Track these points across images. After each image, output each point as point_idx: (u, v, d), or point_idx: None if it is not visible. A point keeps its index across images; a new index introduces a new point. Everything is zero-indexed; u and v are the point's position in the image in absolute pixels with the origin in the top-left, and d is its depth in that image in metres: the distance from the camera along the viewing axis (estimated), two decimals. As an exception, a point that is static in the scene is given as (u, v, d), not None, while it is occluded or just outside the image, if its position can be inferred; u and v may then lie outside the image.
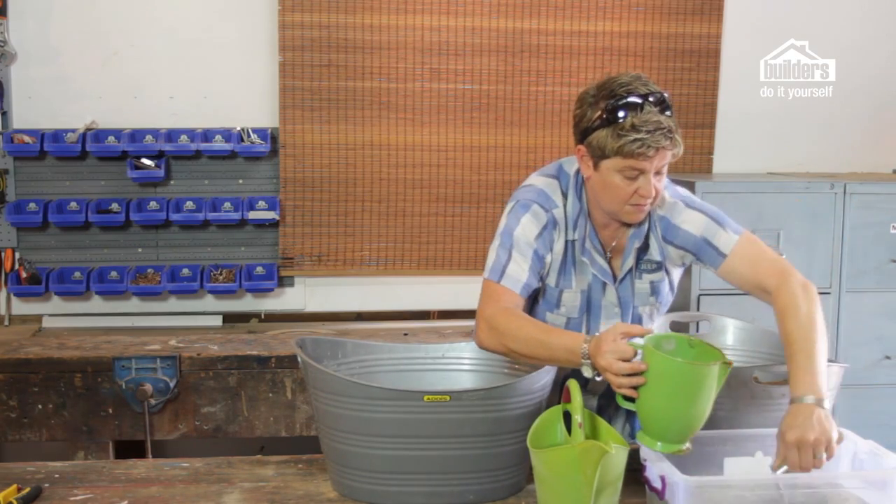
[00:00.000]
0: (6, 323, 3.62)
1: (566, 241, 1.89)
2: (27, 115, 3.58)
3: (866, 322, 3.37)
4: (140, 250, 3.68)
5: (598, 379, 1.65)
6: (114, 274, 3.59)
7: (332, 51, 3.62)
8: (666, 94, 1.76)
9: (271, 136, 3.64)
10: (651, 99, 1.73)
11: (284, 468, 1.88)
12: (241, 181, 3.69)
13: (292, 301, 3.79)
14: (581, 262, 1.89)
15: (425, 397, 1.64)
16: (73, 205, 3.56)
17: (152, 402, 3.02)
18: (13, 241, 3.61)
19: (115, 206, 3.55)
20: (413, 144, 3.70)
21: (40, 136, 3.50)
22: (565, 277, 1.90)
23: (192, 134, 3.56)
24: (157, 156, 3.57)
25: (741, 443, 1.67)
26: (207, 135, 3.58)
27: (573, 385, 1.64)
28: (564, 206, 1.89)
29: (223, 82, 3.64)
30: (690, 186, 3.23)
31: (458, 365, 2.02)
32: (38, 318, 3.65)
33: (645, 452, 1.62)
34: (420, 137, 3.71)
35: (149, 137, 3.54)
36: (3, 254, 3.59)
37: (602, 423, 1.66)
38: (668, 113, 1.74)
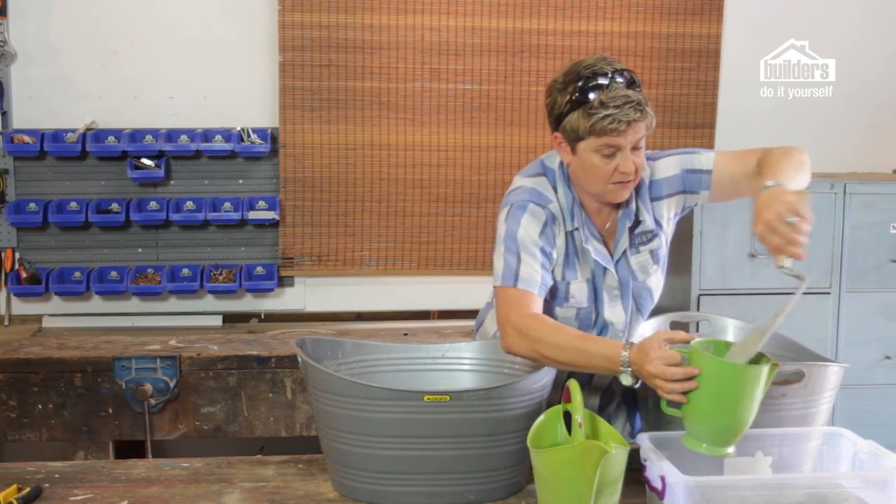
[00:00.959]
0: (6, 323, 3.62)
1: (566, 234, 1.90)
2: (27, 115, 3.58)
3: (866, 322, 3.37)
4: (140, 250, 3.68)
5: (636, 387, 1.65)
6: (114, 274, 3.59)
7: (332, 51, 3.62)
8: (631, 71, 1.81)
9: (271, 136, 3.64)
10: (617, 76, 1.78)
11: (284, 468, 1.88)
12: (241, 181, 3.70)
13: (292, 301, 3.79)
14: (584, 249, 1.90)
15: (425, 397, 1.64)
16: (73, 205, 3.56)
17: (152, 402, 3.02)
18: (13, 241, 3.61)
19: (115, 206, 3.55)
20: (413, 144, 3.70)
21: (40, 136, 3.50)
22: (570, 269, 1.90)
23: (192, 134, 3.56)
24: (157, 156, 3.58)
25: (741, 443, 1.67)
26: (207, 135, 3.58)
27: (573, 385, 1.64)
28: (558, 199, 1.90)
29: (223, 82, 3.65)
30: (690, 186, 3.24)
31: (458, 365, 2.01)
32: (38, 318, 3.65)
33: (645, 452, 1.62)
34: (420, 137, 3.71)
35: (149, 137, 3.54)
36: (3, 254, 3.59)
37: (602, 423, 1.66)
38: (638, 89, 1.79)
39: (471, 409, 1.66)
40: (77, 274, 3.58)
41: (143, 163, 3.55)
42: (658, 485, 1.57)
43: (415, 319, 3.79)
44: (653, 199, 1.95)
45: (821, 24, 3.89)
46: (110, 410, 3.03)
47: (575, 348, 1.70)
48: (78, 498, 1.72)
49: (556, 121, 1.83)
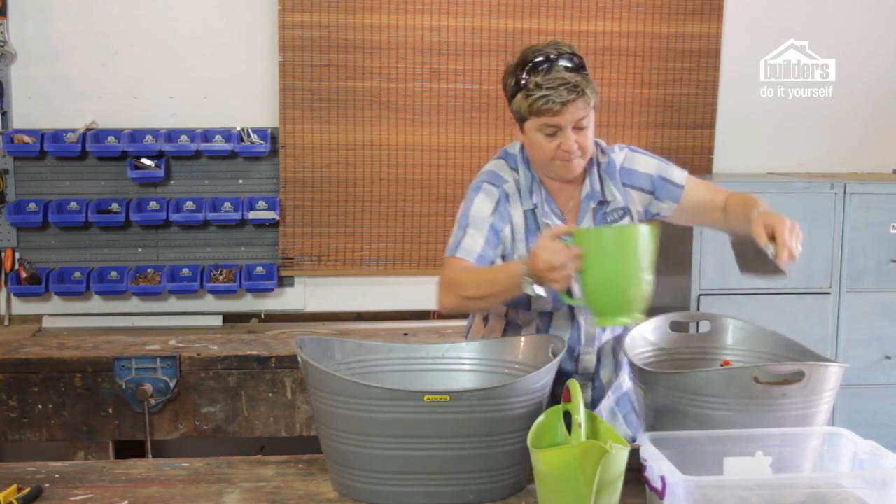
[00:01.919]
0: (6, 323, 3.62)
1: (524, 212, 2.00)
2: (27, 115, 3.58)
3: (866, 322, 3.37)
4: (140, 250, 3.68)
5: (542, 294, 1.77)
6: (114, 274, 3.59)
7: (332, 51, 3.62)
8: (579, 56, 1.89)
9: (271, 136, 3.64)
10: (560, 60, 1.86)
11: (284, 468, 1.88)
12: (241, 181, 3.70)
13: (292, 301, 3.79)
14: (544, 224, 1.99)
15: (425, 397, 1.64)
16: (73, 205, 3.56)
17: (152, 402, 3.02)
18: (13, 241, 3.61)
19: (115, 206, 3.55)
20: (413, 144, 3.71)
21: (40, 136, 3.50)
22: (530, 244, 1.99)
23: (192, 134, 3.56)
24: (157, 156, 3.58)
25: (741, 443, 1.67)
26: (207, 135, 3.58)
27: (573, 385, 1.64)
28: (517, 180, 2.01)
29: (223, 82, 3.65)
30: (690, 186, 3.24)
31: (458, 365, 2.01)
32: (38, 318, 3.65)
33: (645, 452, 1.62)
34: (420, 137, 3.71)
35: (149, 137, 3.54)
36: (3, 254, 3.60)
37: (602, 422, 1.66)
38: (581, 72, 1.87)
39: (471, 409, 1.66)
40: (77, 274, 3.58)
41: (143, 163, 3.55)
42: (658, 485, 1.57)
43: (415, 319, 3.79)
44: (624, 184, 2.03)
45: (821, 24, 3.89)
46: (110, 410, 3.03)
47: (485, 279, 1.87)
48: (78, 498, 1.72)
49: (508, 101, 1.95)
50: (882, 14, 3.95)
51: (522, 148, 2.01)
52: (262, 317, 3.78)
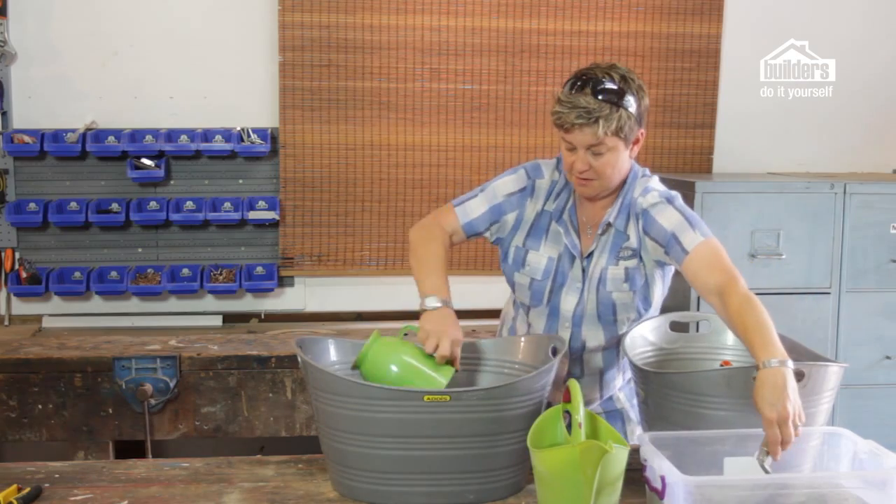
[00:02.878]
0: (6, 323, 3.62)
1: (540, 210, 2.07)
2: (27, 115, 3.58)
3: (866, 322, 3.37)
4: (140, 250, 3.68)
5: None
6: (114, 274, 3.59)
7: (332, 51, 3.62)
8: (622, 87, 1.91)
9: (271, 136, 3.64)
10: (593, 83, 1.90)
11: (284, 468, 1.88)
12: (241, 181, 3.70)
13: (292, 301, 3.79)
14: (556, 230, 2.05)
15: (425, 397, 1.64)
16: (73, 205, 3.56)
17: (152, 402, 3.02)
18: (13, 241, 3.61)
19: (115, 206, 3.55)
20: (413, 144, 3.71)
21: (40, 136, 3.50)
22: (533, 240, 2.07)
23: (192, 134, 3.56)
24: (157, 156, 3.58)
25: (741, 443, 1.67)
26: (207, 135, 3.58)
27: (573, 385, 1.64)
28: (554, 181, 2.07)
29: (223, 82, 3.65)
30: (690, 186, 3.25)
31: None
32: (38, 318, 3.65)
33: (645, 452, 1.62)
34: (420, 137, 3.71)
35: (149, 137, 3.54)
36: (3, 254, 3.59)
37: (602, 422, 1.66)
38: (612, 100, 1.88)
39: (471, 409, 1.66)
40: (77, 274, 3.58)
41: (143, 163, 3.55)
42: (658, 485, 1.57)
43: (415, 319, 3.77)
44: (644, 231, 2.01)
45: (821, 24, 3.89)
46: (110, 410, 3.03)
47: (420, 263, 2.07)
48: (78, 498, 1.72)
49: None
50: (882, 14, 3.95)
51: None
52: (262, 317, 3.78)
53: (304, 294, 3.80)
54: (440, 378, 1.79)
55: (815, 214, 3.31)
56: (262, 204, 3.64)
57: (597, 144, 1.90)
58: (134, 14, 3.58)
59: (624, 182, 2.02)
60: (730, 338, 2.11)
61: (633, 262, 2.02)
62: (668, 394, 1.80)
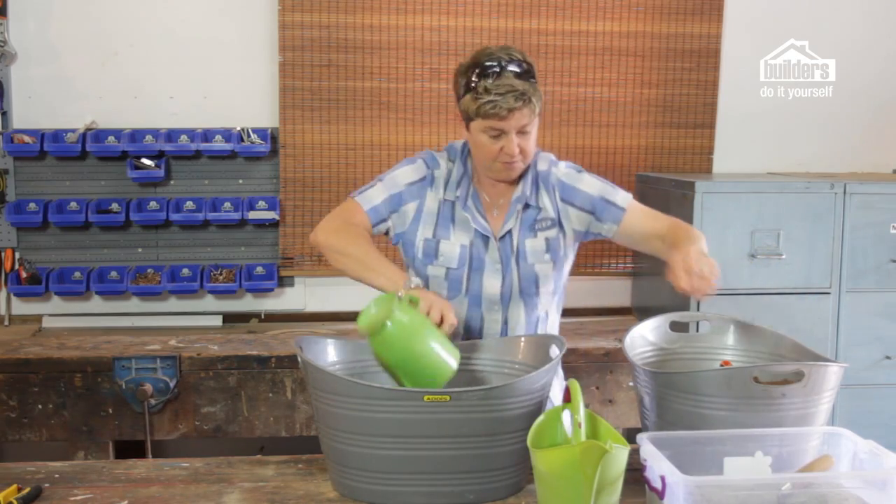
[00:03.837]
0: (6, 323, 3.62)
1: (442, 200, 2.10)
2: (27, 115, 3.58)
3: (866, 322, 3.37)
4: (140, 250, 3.68)
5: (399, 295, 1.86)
6: (114, 274, 3.59)
7: (332, 51, 3.62)
8: (529, 63, 1.96)
9: (271, 136, 3.64)
10: (510, 66, 1.93)
11: (284, 468, 1.88)
12: (241, 181, 3.70)
13: (292, 301, 3.79)
14: (463, 217, 2.08)
15: (425, 397, 1.64)
16: (73, 205, 3.56)
17: (152, 402, 3.02)
18: (13, 241, 3.61)
19: (115, 206, 3.55)
20: (413, 144, 3.70)
21: (40, 136, 3.50)
22: (443, 230, 2.09)
23: (192, 134, 3.56)
24: (157, 156, 3.58)
25: (741, 443, 1.67)
26: (207, 135, 3.58)
27: (573, 385, 1.64)
28: (449, 170, 2.11)
29: (223, 82, 3.65)
30: (690, 186, 3.25)
31: (459, 365, 2.01)
32: (38, 318, 3.65)
33: (645, 452, 1.62)
34: (420, 137, 3.71)
35: (149, 137, 3.54)
36: (3, 254, 3.60)
37: (602, 422, 1.66)
38: (529, 79, 1.94)
39: (471, 409, 1.66)
40: (77, 274, 3.58)
41: (143, 163, 3.55)
42: (658, 485, 1.57)
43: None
44: (562, 200, 2.11)
45: (821, 24, 3.89)
46: (110, 410, 3.03)
47: (360, 254, 1.99)
48: (78, 498, 1.72)
49: (457, 99, 2.03)
50: (882, 14, 3.95)
51: (465, 144, 2.11)
52: (262, 317, 3.78)
53: (304, 294, 3.80)
54: (452, 362, 1.80)
55: (815, 214, 3.31)
56: (262, 204, 3.64)
57: (527, 124, 1.96)
58: (134, 14, 3.58)
59: None
60: (730, 338, 2.11)
61: (553, 233, 2.09)
62: (668, 394, 1.80)
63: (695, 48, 3.81)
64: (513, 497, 1.74)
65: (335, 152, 3.68)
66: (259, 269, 3.68)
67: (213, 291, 3.66)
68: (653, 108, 3.83)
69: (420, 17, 3.64)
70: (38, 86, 3.57)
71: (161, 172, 3.56)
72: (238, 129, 3.61)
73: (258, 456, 1.98)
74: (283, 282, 3.75)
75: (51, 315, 3.65)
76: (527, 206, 2.09)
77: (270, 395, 3.08)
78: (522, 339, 2.01)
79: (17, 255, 3.61)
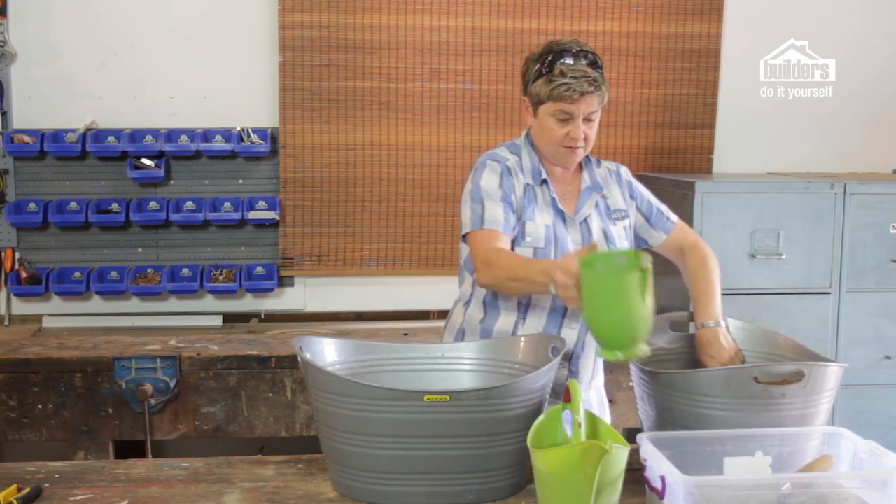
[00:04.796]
0: (6, 323, 3.62)
1: (525, 185, 2.13)
2: (27, 115, 3.58)
3: (866, 322, 3.37)
4: (140, 250, 3.68)
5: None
6: (114, 274, 3.59)
7: (332, 51, 3.62)
8: (597, 56, 2.06)
9: (271, 136, 3.64)
10: (581, 56, 2.03)
11: (284, 468, 1.88)
12: (241, 181, 3.70)
13: (292, 301, 3.79)
14: (543, 198, 2.13)
15: (425, 397, 1.64)
16: (73, 205, 3.56)
17: (152, 402, 3.02)
18: (13, 241, 3.61)
19: (115, 206, 3.55)
20: (413, 144, 3.70)
21: (40, 136, 3.50)
22: (527, 212, 2.11)
23: (192, 134, 3.56)
24: (157, 156, 3.58)
25: (741, 443, 1.67)
26: (207, 135, 3.58)
27: (573, 385, 1.64)
28: (518, 158, 2.16)
29: (223, 82, 3.65)
30: (690, 186, 3.25)
31: (458, 365, 2.01)
32: (38, 318, 3.65)
33: (645, 452, 1.62)
34: (420, 137, 3.71)
35: (149, 137, 3.54)
36: (3, 254, 3.60)
37: (602, 423, 1.66)
38: (597, 69, 2.04)
39: (471, 409, 1.66)
40: (77, 274, 3.58)
41: (143, 163, 3.55)
42: (658, 485, 1.57)
43: (415, 319, 3.79)
44: (630, 197, 2.22)
45: (821, 24, 3.89)
46: (110, 410, 3.03)
47: (519, 267, 1.95)
48: (78, 498, 1.72)
49: (526, 85, 2.11)
50: (882, 14, 3.95)
51: (528, 135, 2.18)
52: (262, 317, 3.78)
53: (304, 294, 3.80)
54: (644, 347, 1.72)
55: (815, 214, 3.31)
56: (262, 204, 3.64)
57: (593, 112, 2.05)
58: (134, 14, 3.58)
59: None
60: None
61: (627, 223, 2.20)
62: (668, 394, 1.80)
63: (695, 48, 3.81)
64: (513, 497, 1.74)
65: (335, 152, 3.68)
66: (259, 269, 3.68)
67: (213, 291, 3.66)
68: (653, 108, 3.83)
69: (420, 17, 3.64)
70: (38, 86, 3.57)
71: (161, 172, 3.56)
72: (238, 129, 3.61)
73: (258, 456, 1.98)
74: (283, 282, 3.75)
75: (51, 315, 3.65)
76: (599, 191, 2.17)
77: (270, 395, 3.08)
78: (522, 339, 2.01)
79: (17, 255, 3.61)
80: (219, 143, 3.57)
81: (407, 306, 3.83)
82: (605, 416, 2.25)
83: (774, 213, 3.29)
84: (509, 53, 3.70)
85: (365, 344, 2.00)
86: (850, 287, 3.36)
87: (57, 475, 1.82)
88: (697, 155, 3.88)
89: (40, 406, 3.00)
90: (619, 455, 1.54)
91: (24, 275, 3.53)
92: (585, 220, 2.14)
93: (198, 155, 3.62)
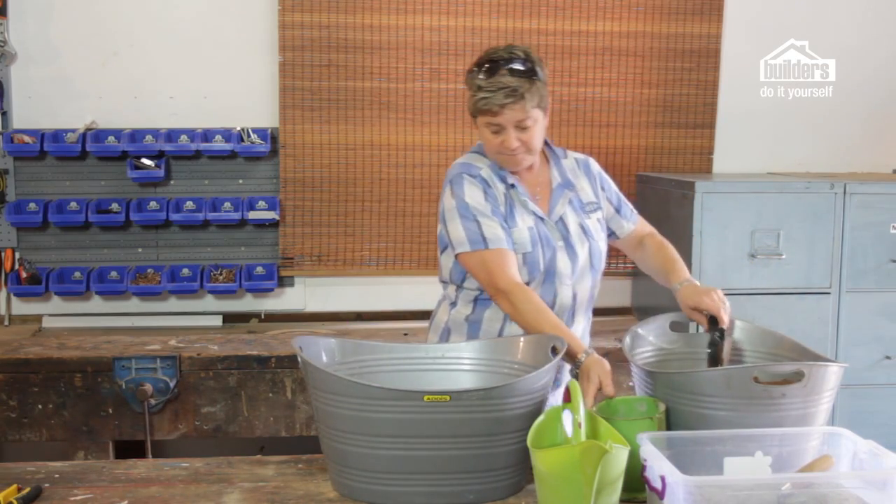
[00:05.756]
0: (6, 323, 3.62)
1: (503, 192, 2.14)
2: (27, 115, 3.58)
3: (866, 322, 3.37)
4: (140, 250, 3.68)
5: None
6: (114, 274, 3.59)
7: (332, 51, 3.62)
8: (532, 61, 2.03)
9: (271, 136, 3.64)
10: (507, 64, 2.01)
11: (284, 468, 1.88)
12: (241, 181, 3.70)
13: (292, 301, 3.79)
14: (521, 202, 2.14)
15: (425, 397, 1.64)
16: (73, 205, 3.56)
17: (152, 402, 3.02)
18: (13, 241, 3.61)
19: (115, 206, 3.55)
20: (413, 144, 3.70)
21: (40, 136, 3.50)
22: (510, 218, 2.12)
23: (192, 134, 3.56)
24: (157, 156, 3.58)
25: (741, 443, 1.67)
26: (207, 135, 3.58)
27: (573, 385, 1.64)
28: (490, 165, 2.15)
29: (223, 82, 3.65)
30: (690, 186, 3.25)
31: (458, 365, 2.01)
32: (38, 318, 3.65)
33: (645, 452, 1.62)
34: (420, 137, 3.71)
35: (149, 137, 3.54)
36: (3, 254, 3.60)
37: (602, 423, 1.66)
38: (530, 77, 2.01)
39: (470, 409, 1.66)
40: (77, 274, 3.58)
41: (143, 163, 3.55)
42: (658, 485, 1.56)
43: (415, 319, 3.79)
44: (602, 188, 2.27)
45: (821, 24, 3.89)
46: (110, 410, 3.03)
47: (548, 326, 1.95)
48: (78, 498, 1.72)
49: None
50: (882, 14, 3.94)
51: None
52: (262, 317, 3.78)
53: (304, 294, 3.80)
54: None
55: (815, 214, 3.31)
56: (262, 204, 3.64)
57: (524, 119, 2.03)
58: (134, 14, 3.58)
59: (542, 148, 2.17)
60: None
61: (599, 214, 2.24)
62: (668, 394, 1.80)
63: (695, 48, 3.81)
64: (513, 497, 1.74)
65: (335, 152, 3.68)
66: (259, 269, 3.68)
67: (213, 291, 3.66)
68: (653, 108, 3.83)
69: (420, 17, 3.64)
70: (38, 86, 3.57)
71: (161, 172, 3.56)
72: (238, 129, 3.61)
73: (258, 456, 1.98)
74: (283, 282, 3.75)
75: (51, 315, 3.65)
76: (569, 186, 2.20)
77: (270, 395, 3.08)
78: (522, 339, 2.01)
79: (17, 255, 3.61)
80: (219, 143, 3.57)
81: (407, 306, 3.83)
82: None
83: (774, 213, 3.29)
84: (509, 53, 3.69)
85: (365, 344, 2.00)
86: (850, 287, 3.35)
87: (57, 475, 1.82)
88: (697, 155, 3.88)
89: (40, 406, 3.01)
90: (619, 455, 1.54)
91: (24, 275, 3.53)
92: (561, 218, 2.17)
93: (198, 155, 3.62)
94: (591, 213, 2.22)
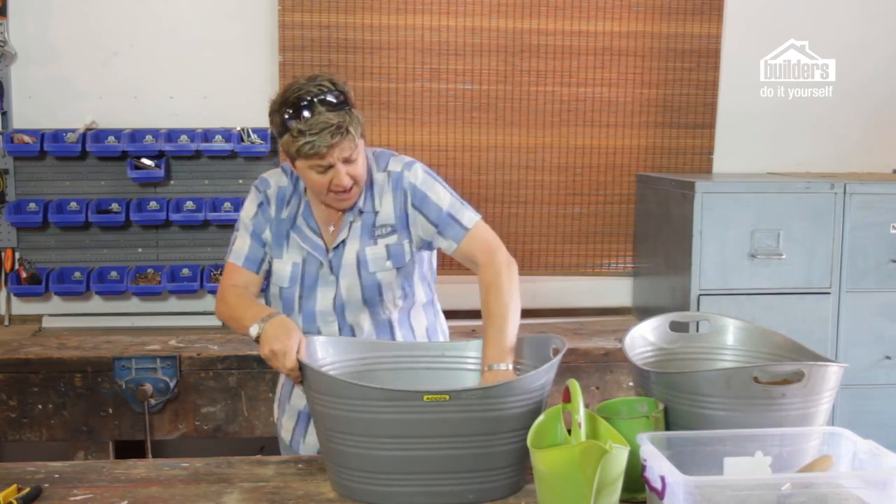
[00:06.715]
0: (6, 323, 3.63)
1: (275, 217, 2.09)
2: (27, 115, 3.58)
3: (866, 322, 3.37)
4: (140, 250, 3.68)
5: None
6: (114, 274, 3.59)
7: (332, 51, 3.62)
8: (342, 91, 1.92)
9: (271, 136, 3.63)
10: (319, 100, 1.89)
11: (284, 468, 1.88)
12: (241, 181, 3.69)
13: (292, 301, 3.78)
14: (293, 237, 2.07)
15: (425, 397, 1.64)
16: (73, 205, 3.56)
17: (152, 402, 3.02)
18: (13, 241, 3.61)
19: (115, 206, 3.55)
20: (413, 144, 3.70)
21: (40, 136, 3.50)
22: (276, 248, 2.09)
23: (192, 134, 3.56)
24: (157, 156, 3.58)
25: (741, 443, 1.67)
26: (207, 135, 3.58)
27: (573, 385, 1.64)
28: (281, 186, 2.10)
29: (223, 82, 3.65)
30: (690, 186, 3.25)
31: (458, 364, 2.01)
32: (38, 318, 3.65)
33: (645, 452, 1.62)
34: (420, 137, 3.71)
35: (149, 137, 3.54)
36: (3, 254, 3.60)
37: (602, 423, 1.66)
38: (345, 108, 1.91)
39: (470, 409, 1.66)
40: (77, 274, 3.58)
41: (143, 163, 3.55)
42: (658, 485, 1.56)
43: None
44: (413, 205, 2.07)
45: (821, 24, 3.89)
46: (110, 410, 3.03)
47: (236, 312, 1.96)
48: (78, 498, 1.72)
49: (278, 138, 1.98)
50: (882, 14, 3.94)
51: None
52: (262, 317, 3.77)
53: (304, 294, 3.79)
54: None
55: (815, 214, 3.31)
56: (262, 204, 3.64)
57: (351, 153, 1.94)
58: (134, 14, 3.59)
59: None
60: (730, 338, 2.11)
61: (394, 239, 2.07)
62: (668, 394, 1.80)
63: (695, 48, 3.81)
64: (512, 497, 1.74)
65: (335, 152, 3.67)
66: (259, 269, 3.67)
67: (213, 291, 3.65)
68: (653, 108, 3.83)
69: (420, 17, 3.64)
70: (38, 86, 3.57)
71: (161, 172, 3.56)
72: (238, 129, 3.61)
73: (258, 456, 1.98)
74: (283, 282, 3.74)
75: (51, 315, 3.65)
76: (361, 212, 2.07)
77: (270, 395, 3.08)
78: (522, 339, 2.01)
79: (17, 255, 3.62)
80: (219, 143, 3.57)
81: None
82: None
83: (774, 213, 3.29)
84: (509, 53, 3.70)
85: (364, 342, 2.01)
86: (850, 287, 3.35)
87: (57, 475, 1.82)
88: (697, 155, 3.88)
89: (40, 406, 3.01)
90: (619, 455, 1.54)
91: (24, 275, 3.53)
92: (342, 245, 2.07)
93: (198, 155, 3.62)
94: (380, 239, 2.06)
